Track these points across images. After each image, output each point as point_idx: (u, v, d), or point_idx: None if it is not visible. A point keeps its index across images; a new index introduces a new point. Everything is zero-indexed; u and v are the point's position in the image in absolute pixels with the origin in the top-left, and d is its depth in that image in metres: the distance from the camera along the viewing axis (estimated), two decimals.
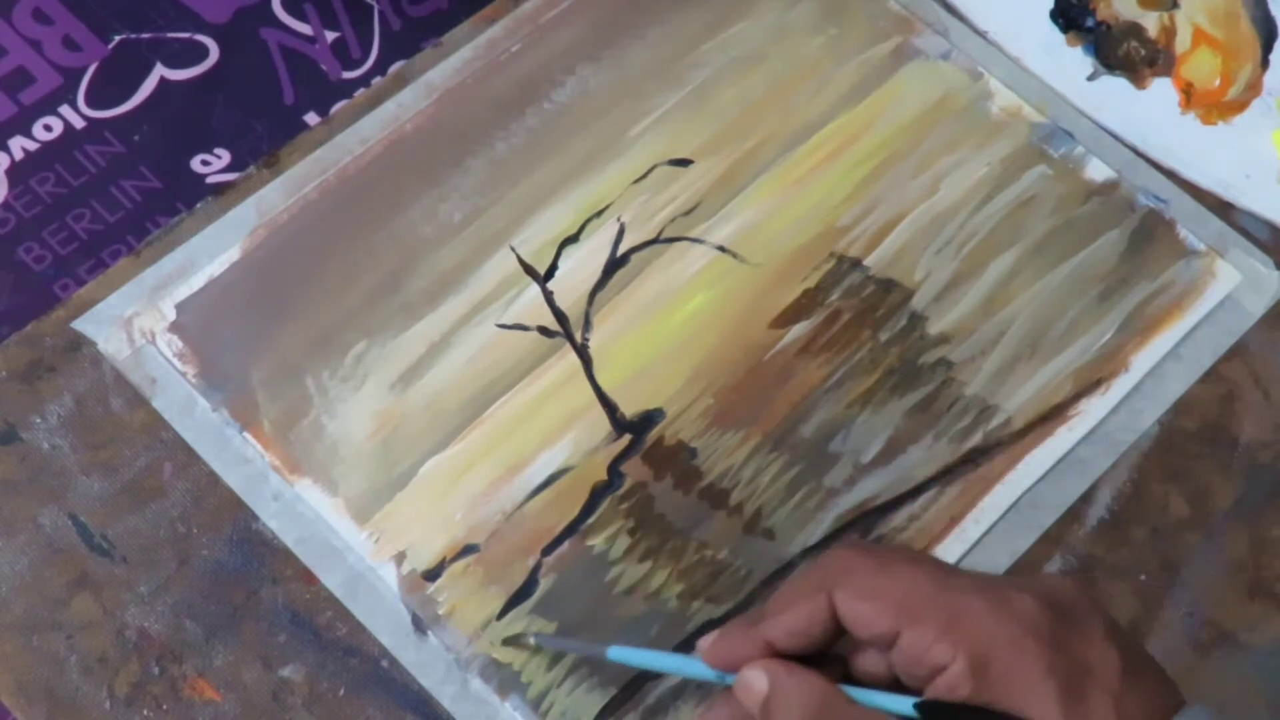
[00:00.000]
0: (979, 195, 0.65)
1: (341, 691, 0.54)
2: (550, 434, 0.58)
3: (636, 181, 0.64)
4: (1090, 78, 0.68)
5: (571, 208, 0.64)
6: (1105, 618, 0.43)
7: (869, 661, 0.44)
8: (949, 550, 0.57)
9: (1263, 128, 0.66)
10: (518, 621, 0.55)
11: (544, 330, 0.61)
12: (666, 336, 0.61)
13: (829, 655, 0.44)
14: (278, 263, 0.61)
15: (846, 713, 0.42)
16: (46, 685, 0.53)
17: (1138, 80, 0.68)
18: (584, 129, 0.66)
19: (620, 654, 0.50)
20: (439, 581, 0.55)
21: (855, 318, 0.62)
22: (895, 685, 0.43)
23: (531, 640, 0.53)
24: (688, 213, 0.64)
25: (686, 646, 0.54)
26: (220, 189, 0.63)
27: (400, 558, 0.56)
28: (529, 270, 0.62)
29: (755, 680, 0.43)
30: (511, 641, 0.54)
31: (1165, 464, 0.59)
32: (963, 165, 0.66)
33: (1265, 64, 0.66)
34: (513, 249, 0.62)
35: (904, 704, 0.42)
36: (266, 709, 0.53)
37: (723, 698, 0.46)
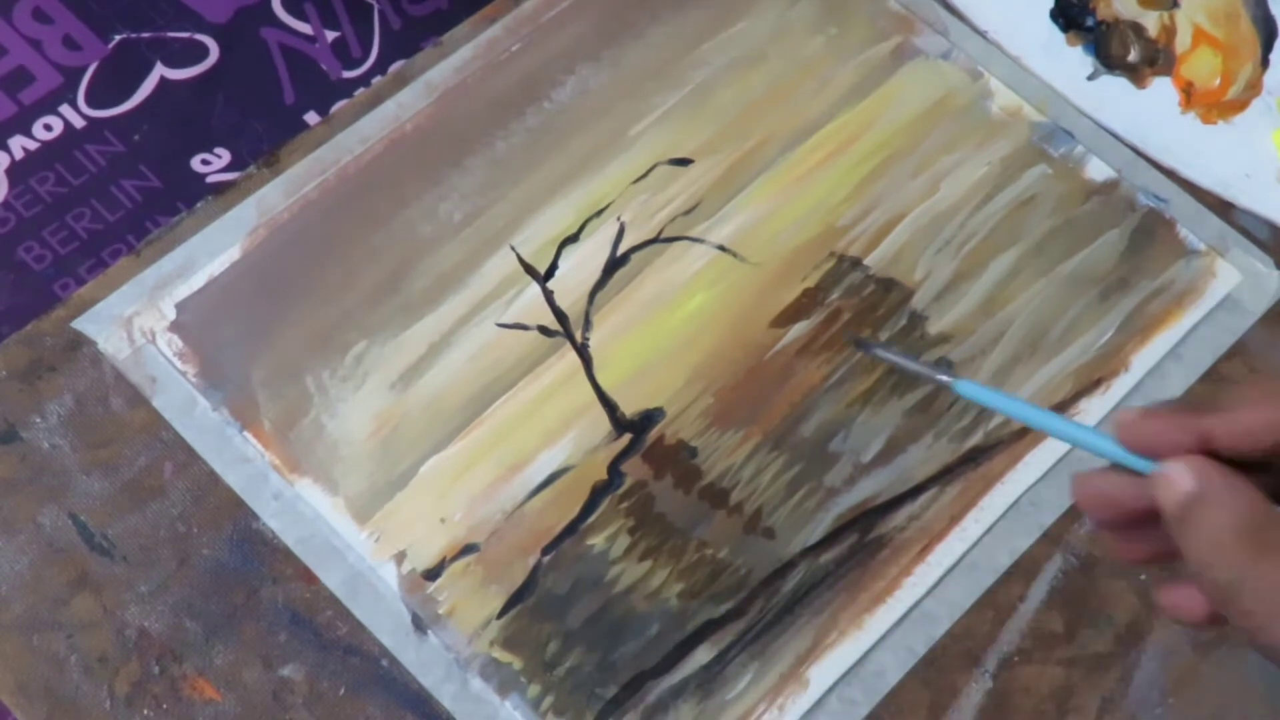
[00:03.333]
0: (979, 195, 0.65)
1: (341, 691, 0.54)
2: (550, 433, 0.58)
3: (636, 181, 0.64)
4: (1090, 77, 0.68)
5: (571, 207, 0.64)
6: None
7: None
8: (949, 550, 0.57)
9: (1263, 127, 0.66)
10: (519, 619, 0.55)
11: (544, 330, 0.61)
12: (666, 336, 0.61)
13: (1262, 469, 0.38)
14: (278, 262, 0.61)
15: None
16: (46, 685, 0.53)
17: (1138, 80, 0.68)
18: (584, 129, 0.66)
19: (969, 390, 0.43)
20: (439, 581, 0.55)
21: (855, 317, 0.62)
22: None
23: (876, 351, 0.49)
24: (688, 212, 0.64)
25: (686, 646, 0.54)
26: (220, 188, 0.63)
27: (400, 557, 0.56)
28: (529, 270, 0.62)
29: (1181, 477, 0.37)
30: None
31: None
32: (963, 165, 0.65)
33: (1265, 63, 0.66)
34: (513, 248, 0.62)
35: None
36: (266, 708, 0.53)
37: (1109, 471, 0.40)
